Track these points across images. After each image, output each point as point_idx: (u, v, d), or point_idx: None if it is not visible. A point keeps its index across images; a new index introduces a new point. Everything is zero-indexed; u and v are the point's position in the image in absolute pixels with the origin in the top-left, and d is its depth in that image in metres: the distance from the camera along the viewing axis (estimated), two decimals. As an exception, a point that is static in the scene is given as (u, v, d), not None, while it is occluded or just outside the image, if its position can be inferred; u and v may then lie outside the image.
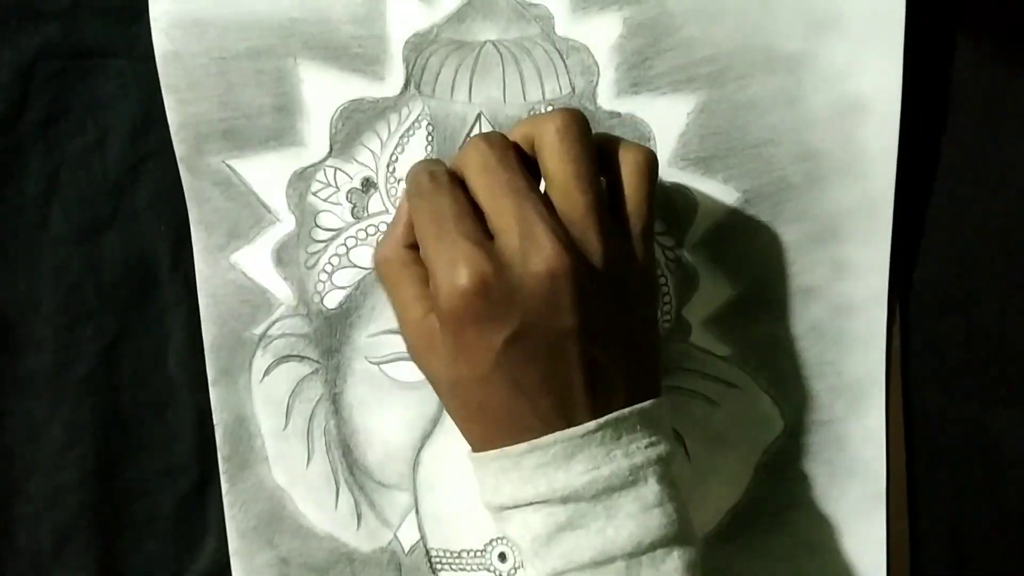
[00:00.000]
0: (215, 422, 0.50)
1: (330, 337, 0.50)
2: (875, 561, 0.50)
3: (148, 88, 0.49)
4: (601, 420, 0.39)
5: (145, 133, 0.49)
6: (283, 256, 0.50)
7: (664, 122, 0.48)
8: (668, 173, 0.48)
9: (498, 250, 0.38)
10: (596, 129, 0.47)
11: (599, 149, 0.41)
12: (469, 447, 0.42)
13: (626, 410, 0.40)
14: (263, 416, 0.51)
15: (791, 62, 0.47)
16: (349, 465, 0.51)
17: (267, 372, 0.50)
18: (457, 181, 0.41)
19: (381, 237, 0.48)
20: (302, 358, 0.50)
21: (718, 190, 0.48)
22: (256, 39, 0.48)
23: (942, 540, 0.51)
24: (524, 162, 0.41)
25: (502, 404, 0.39)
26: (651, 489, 0.39)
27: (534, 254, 0.38)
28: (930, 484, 0.51)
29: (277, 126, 0.48)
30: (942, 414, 0.51)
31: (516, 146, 0.41)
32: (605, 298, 0.40)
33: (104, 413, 0.51)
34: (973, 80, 0.48)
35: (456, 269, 0.38)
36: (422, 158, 0.46)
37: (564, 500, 0.39)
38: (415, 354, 0.42)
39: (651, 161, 0.42)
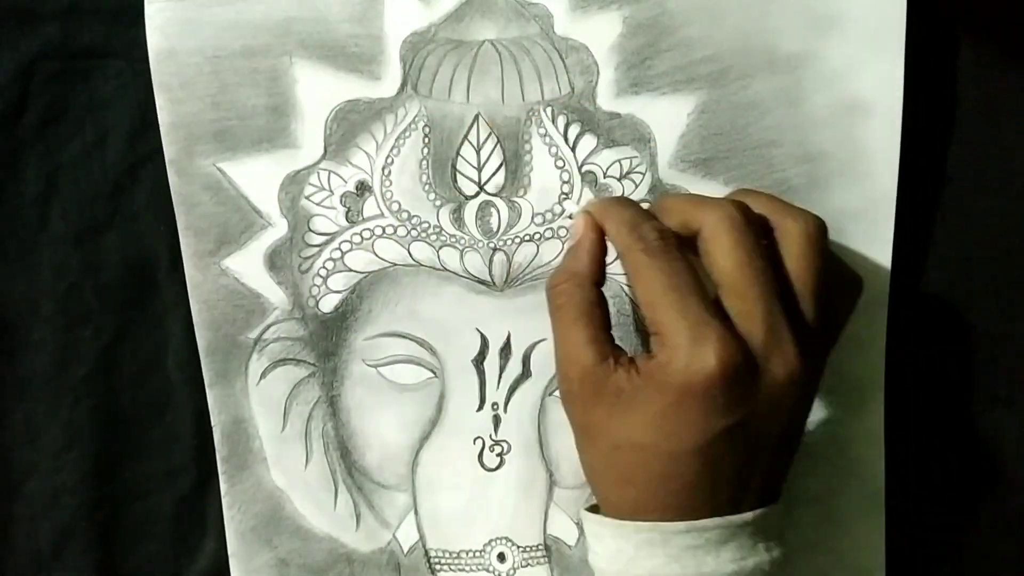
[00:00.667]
0: (213, 424, 0.50)
1: (326, 340, 0.50)
2: (874, 561, 0.51)
3: (147, 89, 0.48)
4: (758, 512, 0.40)
5: (144, 134, 0.49)
6: (276, 261, 0.49)
7: (664, 123, 0.47)
8: (669, 175, 0.48)
9: (743, 341, 0.38)
10: (596, 130, 0.47)
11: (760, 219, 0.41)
12: (585, 505, 0.42)
13: (778, 507, 0.41)
14: (261, 418, 0.51)
15: (792, 62, 0.46)
16: (348, 466, 0.51)
17: (263, 375, 0.50)
18: (685, 245, 0.40)
19: (561, 264, 0.45)
20: (298, 361, 0.50)
21: (719, 192, 0.47)
22: (251, 37, 0.47)
23: (942, 540, 0.51)
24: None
25: (683, 483, 0.39)
26: None
27: (778, 356, 0.38)
28: (930, 484, 0.51)
29: (270, 127, 0.48)
30: (942, 414, 0.51)
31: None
32: (803, 407, 0.41)
33: (103, 414, 0.51)
34: (975, 80, 0.48)
35: (704, 348, 0.37)
36: (620, 198, 0.46)
37: None
38: (571, 397, 0.41)
39: (821, 232, 0.41)
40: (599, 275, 0.42)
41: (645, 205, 0.44)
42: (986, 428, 0.51)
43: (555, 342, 0.42)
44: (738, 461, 0.39)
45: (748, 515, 0.40)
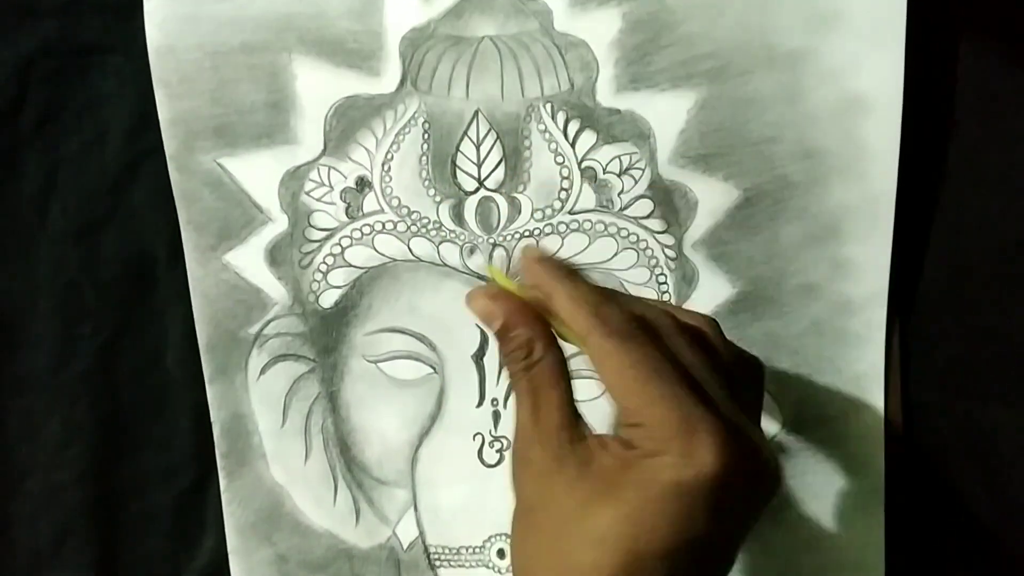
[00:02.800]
0: (212, 420, 0.51)
1: (326, 336, 0.50)
2: (874, 557, 0.51)
3: (146, 85, 0.48)
4: None
5: (143, 130, 0.49)
6: (276, 256, 0.49)
7: (664, 119, 0.47)
8: (668, 171, 0.48)
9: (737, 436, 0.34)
10: (596, 126, 0.47)
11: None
12: None
13: None
14: (260, 414, 0.51)
15: (792, 59, 0.46)
16: (347, 462, 0.51)
17: (263, 371, 0.50)
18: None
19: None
20: (298, 357, 0.50)
21: (718, 188, 0.47)
22: (251, 33, 0.47)
23: (940, 537, 0.51)
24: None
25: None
26: None
27: (768, 455, 0.35)
28: (929, 481, 0.51)
29: (270, 123, 0.48)
30: (941, 411, 0.51)
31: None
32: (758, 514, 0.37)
33: (102, 411, 0.51)
34: (974, 77, 0.48)
35: (701, 443, 0.33)
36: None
37: None
38: (526, 463, 0.36)
39: (718, 324, 0.39)
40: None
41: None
42: (985, 425, 0.51)
43: (517, 411, 0.38)
44: (701, 572, 0.35)
45: None
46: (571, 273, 0.38)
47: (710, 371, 0.36)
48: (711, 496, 0.33)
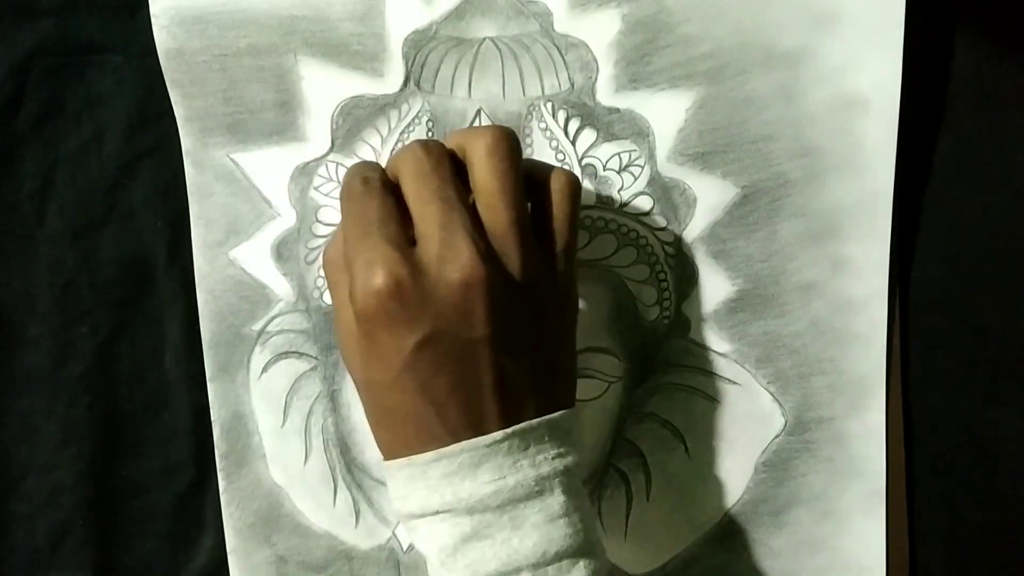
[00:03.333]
0: (212, 419, 0.50)
1: (329, 334, 0.50)
2: (875, 558, 0.50)
3: (144, 84, 0.49)
4: (508, 430, 0.39)
5: (141, 130, 0.49)
6: (283, 251, 0.50)
7: (663, 118, 0.48)
8: (667, 169, 0.48)
9: (417, 256, 0.39)
10: (596, 125, 0.48)
11: (530, 175, 0.42)
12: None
13: (534, 421, 0.40)
14: (261, 413, 0.50)
15: (790, 58, 0.47)
16: (347, 463, 0.51)
17: (265, 369, 0.50)
18: (390, 187, 0.41)
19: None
20: (301, 354, 0.50)
21: (717, 186, 0.48)
22: (256, 36, 0.48)
23: (941, 537, 0.51)
24: (459, 173, 0.41)
25: (410, 411, 0.39)
26: (557, 500, 0.39)
27: (451, 262, 0.38)
28: (929, 481, 0.51)
29: (279, 121, 0.48)
30: (941, 411, 0.51)
31: (452, 155, 0.42)
32: (519, 311, 0.40)
33: (101, 411, 0.51)
34: (972, 76, 0.48)
35: (372, 270, 0.38)
36: (358, 160, 0.47)
37: (470, 510, 0.39)
38: (343, 356, 0.42)
39: (575, 184, 0.43)
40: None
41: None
42: (986, 426, 0.51)
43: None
44: (455, 376, 0.39)
45: (497, 434, 0.39)
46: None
47: (496, 191, 0.40)
48: (397, 310, 0.38)
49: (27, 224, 0.50)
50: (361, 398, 0.42)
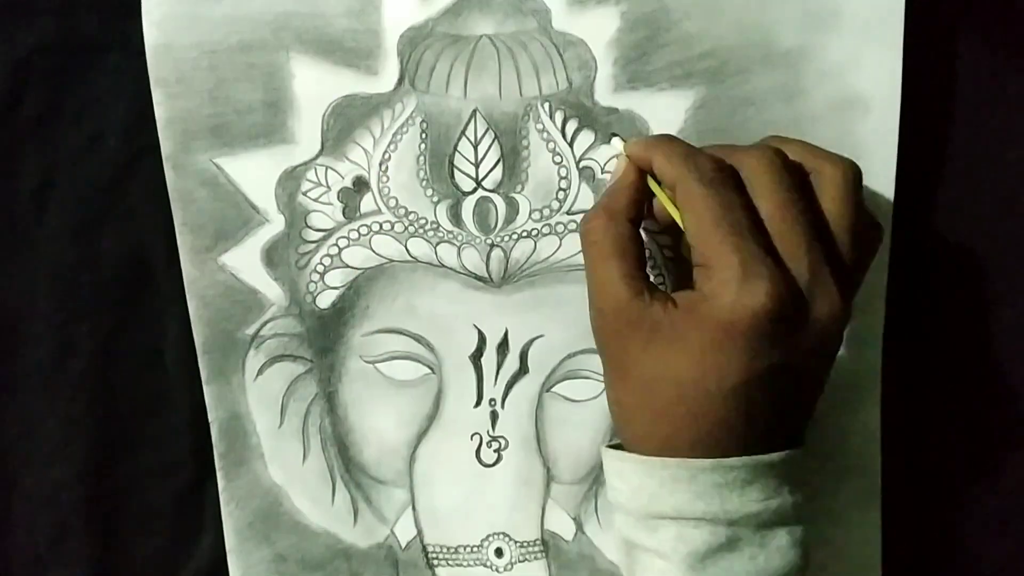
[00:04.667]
0: (210, 420, 0.50)
1: (323, 337, 0.50)
2: (871, 556, 0.51)
3: (144, 83, 0.48)
4: (786, 454, 0.40)
5: (140, 129, 0.49)
6: (273, 257, 0.49)
7: (662, 118, 0.47)
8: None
9: (791, 278, 0.38)
10: (594, 126, 0.47)
11: (797, 161, 0.41)
12: (608, 438, 0.43)
13: (799, 450, 0.41)
14: (258, 414, 0.51)
15: (790, 57, 0.46)
16: (345, 462, 0.51)
17: (260, 372, 0.50)
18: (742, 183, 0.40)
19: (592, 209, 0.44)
20: (295, 357, 0.50)
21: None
22: (248, 32, 0.47)
23: (939, 536, 0.51)
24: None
25: (716, 421, 0.39)
26: (800, 528, 0.40)
27: (823, 296, 0.39)
28: (926, 480, 0.51)
29: (267, 123, 0.48)
30: (939, 411, 0.51)
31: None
32: (831, 348, 0.41)
33: (100, 410, 0.51)
34: (973, 75, 0.48)
35: (755, 285, 0.37)
36: (667, 135, 0.44)
37: (730, 523, 0.39)
38: (604, 332, 0.41)
39: (857, 176, 0.41)
40: (635, 213, 0.42)
41: None
42: (983, 424, 0.51)
43: (588, 279, 0.42)
44: (774, 402, 0.39)
45: (776, 456, 0.40)
46: (665, 136, 0.43)
47: (793, 221, 0.39)
48: (767, 334, 0.37)
49: (27, 223, 0.50)
50: (622, 381, 0.41)
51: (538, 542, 0.51)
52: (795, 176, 0.40)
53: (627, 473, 0.41)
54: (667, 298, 0.40)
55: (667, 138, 0.43)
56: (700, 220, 0.39)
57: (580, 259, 0.48)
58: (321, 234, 0.49)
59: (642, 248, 0.42)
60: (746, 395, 0.39)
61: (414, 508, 0.51)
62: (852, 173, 0.41)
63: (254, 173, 0.48)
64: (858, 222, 0.41)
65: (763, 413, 0.39)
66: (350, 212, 0.48)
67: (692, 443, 0.39)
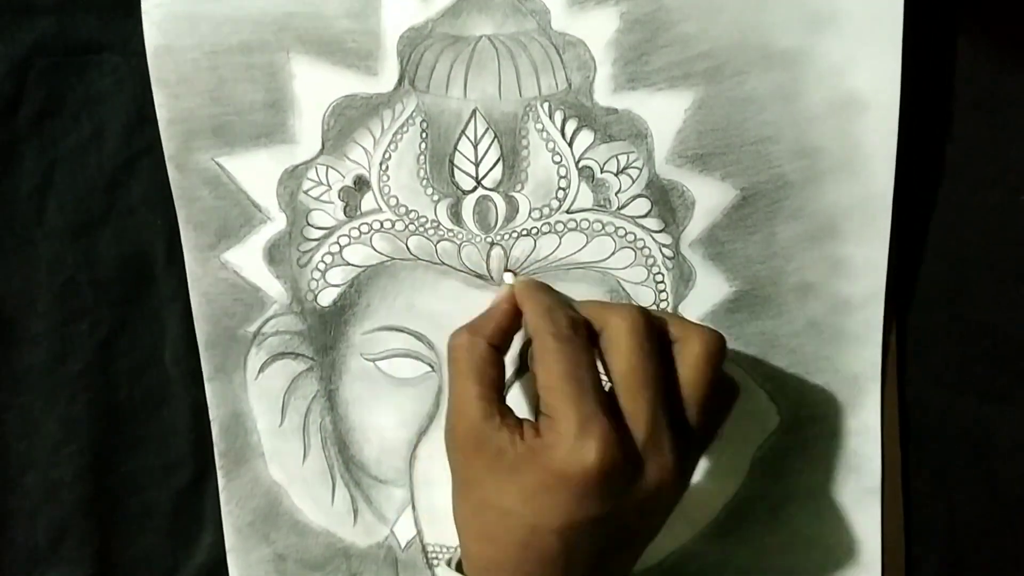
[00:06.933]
0: (211, 418, 0.51)
1: (324, 334, 0.50)
2: (870, 555, 0.51)
3: (143, 83, 0.48)
4: None
5: (140, 128, 0.49)
6: (275, 255, 0.49)
7: (661, 118, 0.47)
8: (665, 171, 0.48)
9: (626, 439, 0.40)
10: (593, 126, 0.47)
11: (663, 331, 0.43)
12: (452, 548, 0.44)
13: None
14: (259, 412, 0.51)
15: (789, 58, 0.46)
16: (345, 461, 0.51)
17: (261, 369, 0.50)
18: (590, 339, 0.42)
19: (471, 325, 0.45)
20: (297, 355, 0.50)
21: (715, 187, 0.47)
22: (249, 33, 0.47)
23: (937, 534, 0.51)
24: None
25: (539, 554, 0.40)
26: None
27: (655, 461, 0.40)
28: (925, 478, 0.51)
29: (268, 122, 0.48)
30: (938, 409, 0.51)
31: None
32: (664, 506, 0.43)
33: (100, 408, 0.51)
34: (972, 75, 0.48)
35: (588, 443, 0.39)
36: (543, 284, 0.47)
37: None
38: (454, 447, 0.43)
39: (720, 348, 0.43)
40: (500, 340, 0.43)
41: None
42: (981, 423, 0.51)
43: (448, 394, 0.43)
44: (597, 548, 0.41)
45: None
46: (543, 286, 0.46)
47: (641, 385, 0.41)
48: (593, 489, 0.39)
49: (27, 223, 0.50)
50: (463, 497, 0.43)
51: (537, 542, 0.51)
52: (653, 342, 0.42)
53: None
54: (517, 427, 0.41)
55: (540, 288, 0.45)
56: (548, 373, 0.41)
57: (579, 257, 0.48)
58: (322, 232, 0.49)
59: (502, 372, 0.43)
60: (569, 538, 0.40)
61: (414, 508, 0.51)
62: (715, 345, 0.42)
63: (256, 172, 0.49)
64: (712, 391, 0.42)
65: (585, 557, 0.41)
66: (351, 210, 0.49)
67: (516, 570, 0.41)
